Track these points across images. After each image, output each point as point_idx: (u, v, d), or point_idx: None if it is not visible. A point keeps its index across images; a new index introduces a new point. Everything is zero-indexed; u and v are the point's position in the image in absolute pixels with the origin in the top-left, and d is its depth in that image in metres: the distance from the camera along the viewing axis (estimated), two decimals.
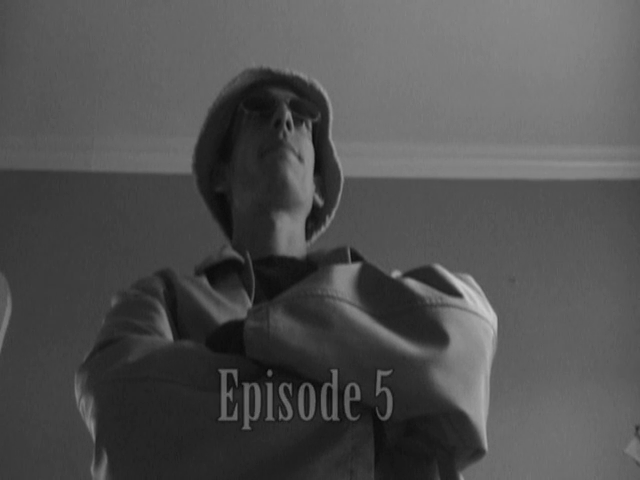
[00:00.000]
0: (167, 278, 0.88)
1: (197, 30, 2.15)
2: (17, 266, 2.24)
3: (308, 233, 1.09)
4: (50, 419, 1.98)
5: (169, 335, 0.77)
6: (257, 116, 1.02)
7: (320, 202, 1.08)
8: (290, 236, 0.99)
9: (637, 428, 1.93)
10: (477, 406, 0.64)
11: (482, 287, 0.79)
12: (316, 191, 1.07)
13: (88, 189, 2.42)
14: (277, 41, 2.15)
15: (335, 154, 1.09)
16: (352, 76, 2.25)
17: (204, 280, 0.89)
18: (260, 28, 2.13)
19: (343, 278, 0.71)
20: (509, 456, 1.96)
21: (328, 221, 1.12)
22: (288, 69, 1.05)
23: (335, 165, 1.09)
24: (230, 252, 0.94)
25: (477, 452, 0.67)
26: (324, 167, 1.09)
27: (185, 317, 0.80)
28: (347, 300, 0.68)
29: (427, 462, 0.68)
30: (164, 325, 0.78)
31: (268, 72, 1.04)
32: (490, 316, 0.74)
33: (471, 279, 0.79)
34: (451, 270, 0.77)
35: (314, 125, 1.06)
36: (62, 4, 2.06)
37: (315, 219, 1.10)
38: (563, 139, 2.48)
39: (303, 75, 1.05)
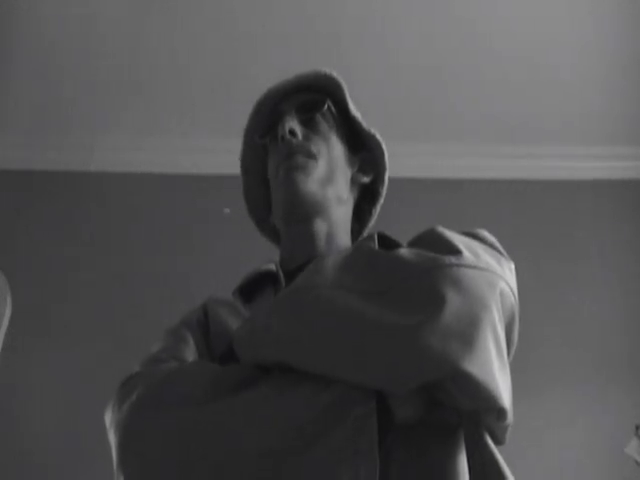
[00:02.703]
0: (205, 306, 0.90)
1: (197, 30, 2.15)
2: (17, 266, 2.24)
3: (367, 213, 1.09)
4: (50, 419, 1.98)
5: (188, 360, 0.80)
6: (270, 141, 1.03)
7: (366, 179, 1.06)
8: (327, 236, 0.98)
9: (637, 428, 1.93)
10: (484, 363, 0.61)
11: None
12: (358, 170, 1.05)
13: (88, 189, 2.42)
14: (274, 43, 2.15)
15: (364, 124, 1.07)
16: (351, 76, 2.24)
17: (237, 302, 0.91)
18: (258, 29, 2.14)
19: (333, 265, 0.72)
20: (509, 455, 1.96)
21: (383, 190, 1.11)
22: (292, 76, 1.04)
23: (368, 134, 1.07)
24: (265, 266, 0.95)
25: (499, 413, 0.64)
26: (362, 140, 1.08)
27: (215, 341, 0.82)
28: (335, 286, 0.68)
29: (453, 433, 0.66)
30: (188, 353, 0.80)
31: (275, 91, 1.04)
32: (498, 268, 0.71)
33: (483, 232, 0.78)
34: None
35: (336, 106, 1.05)
36: (62, 4, 2.07)
37: (371, 194, 1.09)
38: (563, 139, 2.48)
39: (306, 72, 1.05)
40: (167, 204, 2.38)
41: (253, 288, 0.93)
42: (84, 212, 2.37)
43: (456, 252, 0.69)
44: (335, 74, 1.06)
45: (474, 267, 0.68)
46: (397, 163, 2.39)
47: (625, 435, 1.95)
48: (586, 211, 2.46)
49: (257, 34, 2.15)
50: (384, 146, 1.08)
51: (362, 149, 1.07)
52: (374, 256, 0.73)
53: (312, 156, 0.97)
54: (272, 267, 0.94)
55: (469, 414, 0.64)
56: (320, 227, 0.97)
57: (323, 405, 0.61)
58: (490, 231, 0.82)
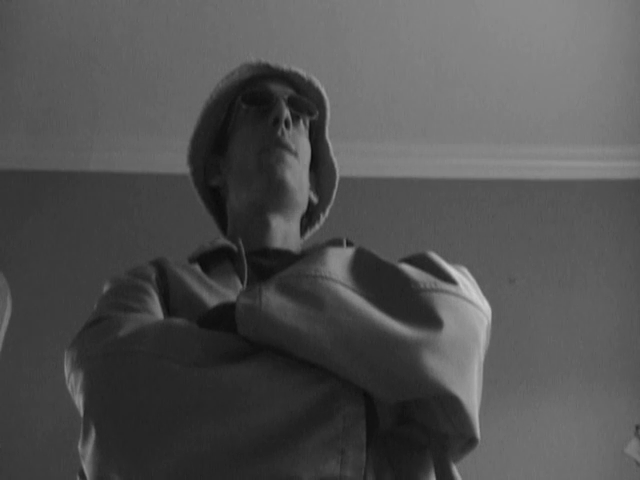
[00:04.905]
0: (160, 266, 0.86)
1: (197, 30, 2.15)
2: (17, 266, 2.24)
3: (302, 229, 1.08)
4: (50, 419, 1.98)
5: (160, 317, 0.76)
6: (255, 111, 1.00)
7: (315, 199, 1.07)
8: (285, 235, 0.98)
9: (637, 428, 1.93)
10: (470, 392, 0.63)
11: (482, 287, 0.79)
12: (311, 188, 1.06)
13: (88, 189, 2.42)
14: (276, 41, 2.15)
15: (332, 152, 1.08)
16: (351, 76, 2.25)
17: (196, 267, 0.88)
18: (259, 28, 2.14)
19: (337, 260, 0.71)
20: (509, 456, 1.96)
21: (322, 218, 1.11)
22: (286, 65, 1.04)
23: (331, 163, 1.08)
24: (223, 241, 0.94)
25: (470, 442, 0.66)
26: (320, 165, 1.08)
27: (177, 302, 0.80)
28: (340, 281, 0.68)
29: (420, 450, 0.67)
30: (156, 308, 0.77)
31: (266, 67, 1.04)
32: (484, 306, 0.73)
33: (465, 270, 0.79)
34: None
35: (311, 122, 1.05)
36: (62, 4, 2.07)
37: (309, 216, 1.09)
38: (563, 139, 2.48)
39: (302, 71, 1.04)
40: (167, 204, 2.38)
41: (208, 259, 0.92)
42: (84, 212, 2.37)
43: (452, 282, 0.71)
44: (325, 94, 1.07)
45: (468, 301, 0.70)
46: (397, 163, 2.41)
47: (625, 435, 1.95)
48: (586, 211, 2.46)
49: (258, 34, 2.15)
50: (337, 180, 1.09)
51: (313, 171, 1.07)
52: (376, 263, 0.73)
53: (298, 159, 0.98)
54: (227, 242, 0.93)
55: (439, 435, 0.66)
56: (282, 225, 0.98)
57: (314, 397, 0.60)
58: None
